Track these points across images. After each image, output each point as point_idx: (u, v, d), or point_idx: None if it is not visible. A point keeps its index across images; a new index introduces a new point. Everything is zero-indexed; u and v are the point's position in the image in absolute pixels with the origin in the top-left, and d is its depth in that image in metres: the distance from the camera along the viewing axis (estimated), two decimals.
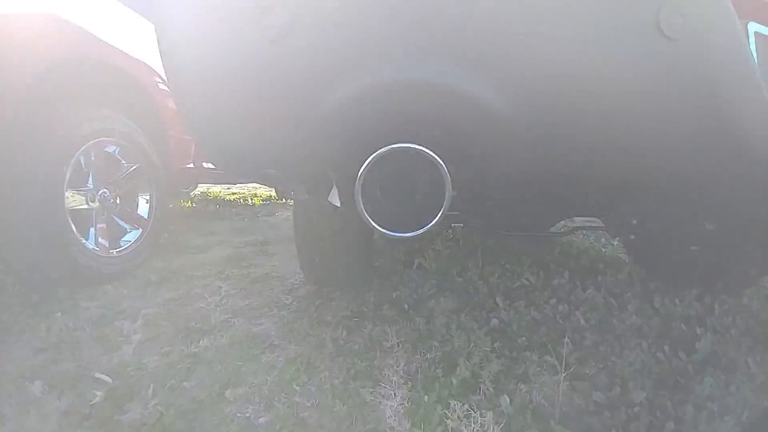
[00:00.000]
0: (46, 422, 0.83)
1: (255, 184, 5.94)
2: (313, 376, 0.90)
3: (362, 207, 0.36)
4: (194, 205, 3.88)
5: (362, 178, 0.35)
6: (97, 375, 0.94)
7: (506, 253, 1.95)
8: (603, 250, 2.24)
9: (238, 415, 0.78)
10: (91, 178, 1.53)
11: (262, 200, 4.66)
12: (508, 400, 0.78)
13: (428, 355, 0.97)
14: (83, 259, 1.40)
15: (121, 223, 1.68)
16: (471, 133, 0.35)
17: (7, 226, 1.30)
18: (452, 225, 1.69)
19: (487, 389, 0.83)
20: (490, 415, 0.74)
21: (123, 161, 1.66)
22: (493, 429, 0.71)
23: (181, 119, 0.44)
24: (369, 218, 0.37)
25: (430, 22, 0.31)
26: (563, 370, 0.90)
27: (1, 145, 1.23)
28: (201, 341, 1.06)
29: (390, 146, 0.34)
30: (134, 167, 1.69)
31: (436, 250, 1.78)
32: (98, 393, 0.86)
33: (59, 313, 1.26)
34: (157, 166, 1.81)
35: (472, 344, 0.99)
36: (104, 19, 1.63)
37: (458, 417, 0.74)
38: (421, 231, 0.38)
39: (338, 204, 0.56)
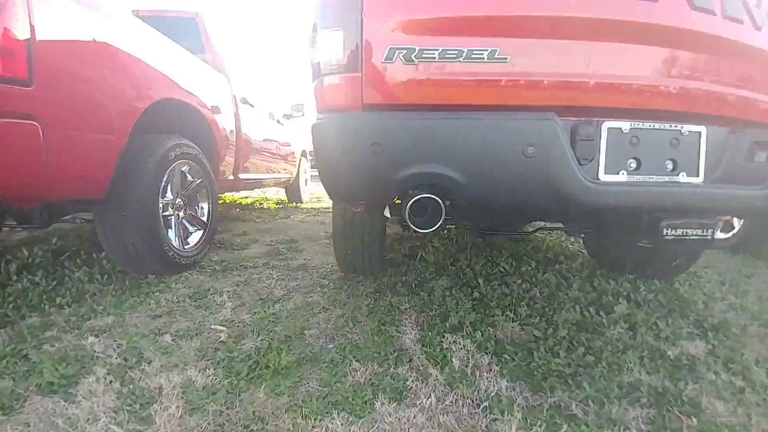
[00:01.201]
0: (188, 354, 1.27)
1: (262, 191, 6.39)
2: (357, 325, 1.38)
3: (407, 217, 0.85)
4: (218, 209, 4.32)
5: (407, 206, 0.84)
6: (213, 326, 1.41)
7: (490, 248, 2.45)
8: (570, 246, 2.75)
9: (314, 344, 1.26)
10: (170, 191, 2.00)
11: (276, 203, 5.11)
12: (480, 334, 1.27)
13: (430, 313, 1.46)
14: (170, 252, 1.86)
15: (188, 225, 2.15)
16: (452, 189, 0.82)
17: (121, 227, 1.75)
18: (447, 226, 2.19)
19: (468, 329, 1.32)
20: (468, 341, 1.23)
21: (190, 177, 2.13)
22: (470, 347, 1.20)
23: (323, 181, 0.87)
24: (410, 223, 0.86)
25: (434, 152, 0.81)
26: (517, 320, 1.40)
27: (122, 166, 1.67)
28: (274, 306, 1.54)
29: (420, 195, 0.83)
30: (198, 181, 2.16)
31: (435, 246, 2.27)
32: (221, 335, 1.33)
33: (158, 293, 1.72)
34: (213, 180, 2.28)
35: (459, 306, 1.48)
36: (178, 64, 2.08)
37: (450, 342, 1.23)
38: (433, 229, 0.86)
39: (389, 216, 1.05)
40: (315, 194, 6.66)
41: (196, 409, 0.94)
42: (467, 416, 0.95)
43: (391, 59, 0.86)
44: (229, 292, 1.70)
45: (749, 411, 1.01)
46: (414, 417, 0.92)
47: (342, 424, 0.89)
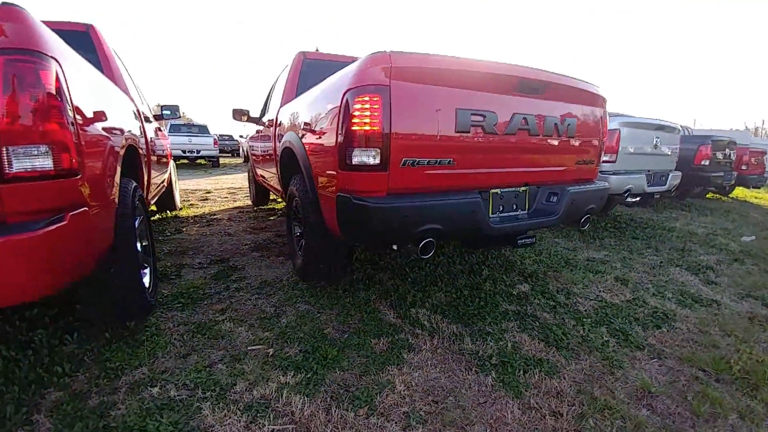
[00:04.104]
0: (255, 371, 1.60)
1: None
2: (352, 317, 2.01)
3: (419, 251, 1.58)
4: None
5: (420, 246, 1.58)
6: (250, 347, 1.76)
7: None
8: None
9: (336, 336, 1.84)
10: None
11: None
12: (428, 303, 2.14)
13: (391, 298, 2.23)
14: (146, 295, 1.94)
15: None
16: (440, 234, 1.56)
17: (110, 282, 1.68)
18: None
19: (419, 302, 2.17)
20: (424, 309, 2.08)
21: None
22: (426, 312, 2.05)
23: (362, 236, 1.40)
24: (420, 254, 1.58)
25: (433, 217, 1.56)
26: (440, 291, 2.34)
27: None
28: (280, 320, 1.94)
29: (426, 239, 1.58)
30: (141, 218, 2.16)
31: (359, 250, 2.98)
32: (269, 351, 1.72)
33: (156, 336, 1.83)
34: (148, 215, 2.28)
35: (405, 289, 2.31)
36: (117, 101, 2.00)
37: (415, 313, 2.04)
38: (430, 255, 1.60)
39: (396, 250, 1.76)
40: (182, 197, 6.09)
41: (309, 394, 1.42)
42: (446, 342, 1.80)
43: (404, 165, 1.54)
44: (225, 319, 1.98)
45: (561, 316, 2.20)
46: (424, 354, 1.70)
47: (397, 368, 1.58)
